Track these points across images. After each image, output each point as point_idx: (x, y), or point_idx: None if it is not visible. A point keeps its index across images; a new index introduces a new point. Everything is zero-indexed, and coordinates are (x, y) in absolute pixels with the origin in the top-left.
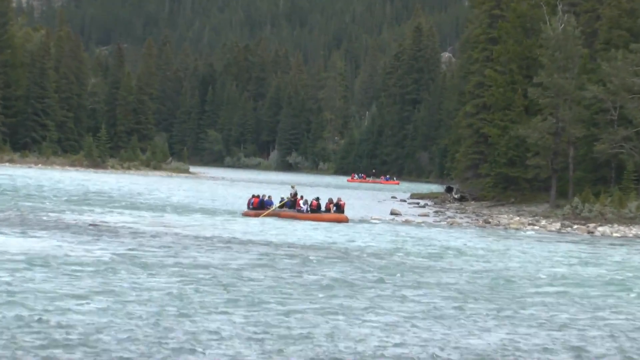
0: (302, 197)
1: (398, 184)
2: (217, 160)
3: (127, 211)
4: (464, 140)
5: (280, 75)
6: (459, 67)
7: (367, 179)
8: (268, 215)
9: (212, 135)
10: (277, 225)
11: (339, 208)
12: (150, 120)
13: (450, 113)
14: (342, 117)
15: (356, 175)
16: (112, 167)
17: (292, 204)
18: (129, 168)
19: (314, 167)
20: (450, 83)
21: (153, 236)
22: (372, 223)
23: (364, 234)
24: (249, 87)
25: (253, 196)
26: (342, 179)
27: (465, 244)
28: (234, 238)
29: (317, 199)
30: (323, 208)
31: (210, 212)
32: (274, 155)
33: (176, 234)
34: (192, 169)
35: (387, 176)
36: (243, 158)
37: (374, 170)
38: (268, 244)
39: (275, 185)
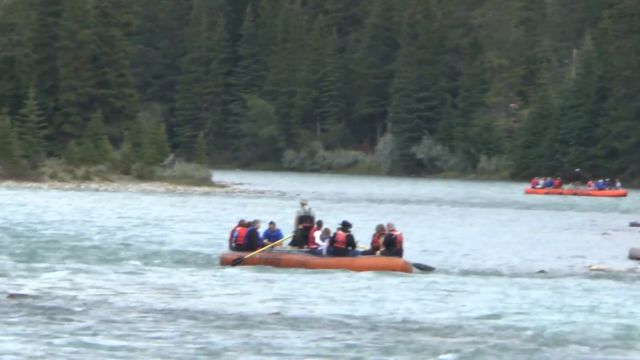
0: (319, 225)
1: (625, 194)
2: (266, 156)
3: (69, 267)
4: None
5: None
6: None
7: (563, 187)
8: (251, 260)
9: (255, 107)
10: (263, 285)
11: (392, 244)
12: (128, 79)
13: None
14: (524, 64)
15: (540, 182)
16: (53, 177)
17: (301, 238)
18: (87, 179)
19: (467, 168)
20: None
21: (87, 309)
22: (590, 277)
23: (579, 303)
24: (327, 5)
25: (239, 224)
26: (518, 190)
27: None
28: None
29: (346, 226)
30: (366, 245)
31: (183, 260)
32: (384, 143)
33: (108, 303)
34: (216, 176)
35: (602, 181)
36: (322, 151)
37: (577, 170)
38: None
39: (395, 213)
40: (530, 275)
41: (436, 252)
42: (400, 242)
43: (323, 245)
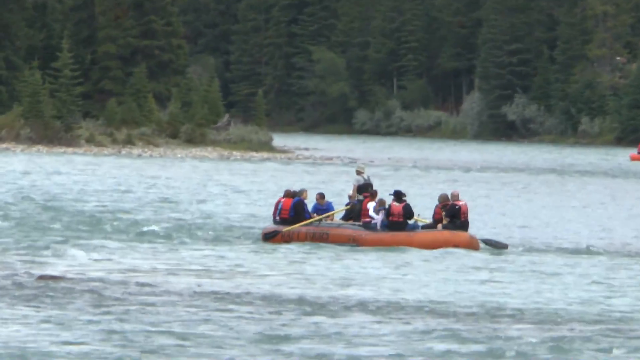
0: (373, 195)
1: None
2: (335, 118)
3: (104, 244)
4: None
5: None
6: None
7: None
8: (297, 236)
9: (322, 60)
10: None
11: (456, 216)
12: (176, 29)
13: None
14: (632, 11)
15: None
16: (90, 141)
17: (360, 210)
18: (128, 143)
19: (566, 130)
20: None
21: (123, 292)
22: None
23: None
24: None
25: (285, 194)
26: (623, 156)
27: None
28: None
29: (400, 195)
30: (427, 217)
31: (231, 236)
32: (471, 103)
33: (131, 289)
34: (278, 140)
35: None
36: (399, 112)
37: None
38: None
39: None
40: (635, 254)
41: (522, 227)
42: (465, 214)
43: (377, 218)
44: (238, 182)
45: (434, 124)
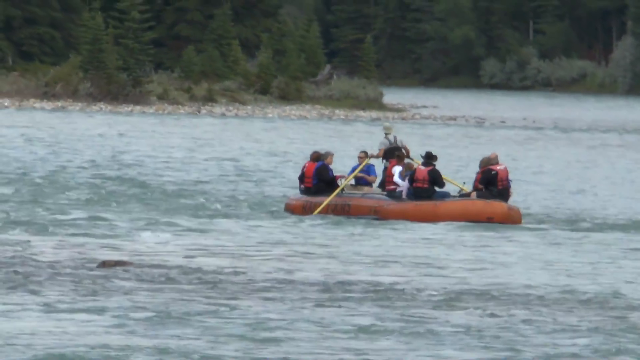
0: (400, 158)
1: None
2: (459, 69)
3: (179, 223)
4: None
5: None
6: None
7: None
8: (312, 207)
9: (444, 0)
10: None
11: (492, 183)
12: None
13: None
14: None
15: None
16: (163, 98)
17: (382, 177)
18: (209, 100)
19: None
20: None
21: (201, 277)
22: None
23: None
24: None
25: (311, 158)
26: None
27: None
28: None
29: (430, 158)
30: (466, 186)
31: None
32: (623, 50)
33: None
34: (390, 95)
35: None
36: (536, 61)
37: None
38: None
39: None
40: None
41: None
42: (504, 181)
43: (404, 185)
44: (338, 147)
45: (578, 76)
